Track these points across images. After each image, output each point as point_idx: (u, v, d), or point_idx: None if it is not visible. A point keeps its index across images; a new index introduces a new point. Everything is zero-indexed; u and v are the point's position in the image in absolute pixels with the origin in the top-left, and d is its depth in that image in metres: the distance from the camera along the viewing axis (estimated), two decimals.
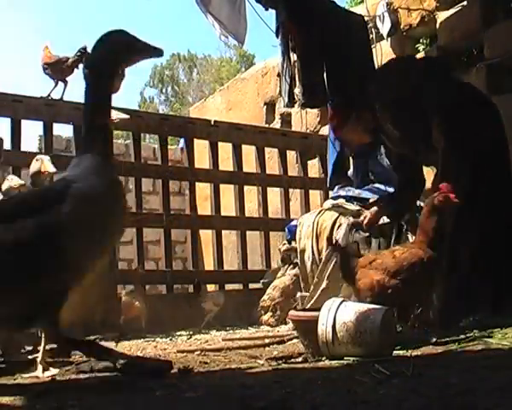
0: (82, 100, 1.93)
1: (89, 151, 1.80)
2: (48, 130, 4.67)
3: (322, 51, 3.49)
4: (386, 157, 3.45)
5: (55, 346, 2.61)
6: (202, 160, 5.66)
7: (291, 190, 5.79)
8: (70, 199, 1.71)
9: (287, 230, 4.68)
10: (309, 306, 3.36)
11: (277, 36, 3.78)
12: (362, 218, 3.23)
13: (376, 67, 4.94)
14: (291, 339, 3.00)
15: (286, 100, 3.78)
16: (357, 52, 3.60)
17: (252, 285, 5.31)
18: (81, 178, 1.77)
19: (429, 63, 3.27)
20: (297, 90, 3.89)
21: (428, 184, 3.13)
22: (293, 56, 3.82)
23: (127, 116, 3.37)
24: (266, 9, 3.86)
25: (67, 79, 4.68)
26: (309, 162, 5.87)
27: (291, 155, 5.88)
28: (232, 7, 4.77)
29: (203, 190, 5.78)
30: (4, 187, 3.04)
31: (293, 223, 4.59)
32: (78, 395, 1.61)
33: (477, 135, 2.71)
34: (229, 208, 5.65)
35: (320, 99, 3.56)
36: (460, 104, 2.84)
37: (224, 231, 5.46)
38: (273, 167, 5.82)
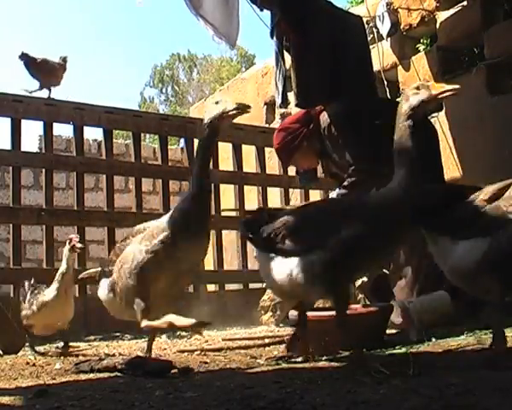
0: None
1: None
2: (48, 130, 4.67)
3: (319, 52, 3.48)
4: None
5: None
6: None
7: (291, 190, 5.79)
8: None
9: None
10: None
11: (272, 37, 3.77)
12: None
13: (377, 67, 4.94)
14: None
15: (279, 101, 3.78)
16: (355, 53, 3.59)
17: (252, 285, 5.31)
18: None
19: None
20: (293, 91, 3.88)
21: None
22: (289, 57, 3.82)
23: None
24: (261, 10, 3.85)
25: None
26: None
27: None
28: (224, 9, 4.74)
29: None
30: None
31: None
32: (78, 395, 1.61)
33: None
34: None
35: (316, 99, 3.54)
36: None
37: (224, 231, 5.46)
38: (273, 167, 5.82)
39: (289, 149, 3.36)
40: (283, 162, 3.58)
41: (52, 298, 2.99)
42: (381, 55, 5.17)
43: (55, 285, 3.02)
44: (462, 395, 1.30)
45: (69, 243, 3.07)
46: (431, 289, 2.92)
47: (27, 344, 3.15)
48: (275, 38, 3.78)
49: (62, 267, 3.03)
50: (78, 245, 3.04)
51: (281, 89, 3.81)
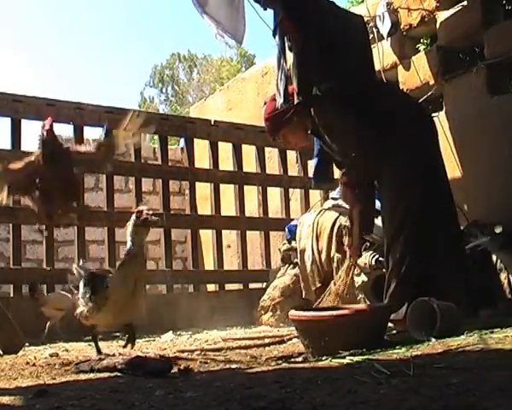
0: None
1: None
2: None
3: (321, 51, 3.49)
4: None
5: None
6: (202, 160, 5.66)
7: (291, 190, 5.79)
8: None
9: (287, 230, 4.68)
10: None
11: (274, 36, 3.78)
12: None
13: (377, 67, 4.94)
14: (291, 339, 3.00)
15: (281, 100, 3.80)
16: (357, 53, 3.59)
17: (252, 285, 5.31)
18: None
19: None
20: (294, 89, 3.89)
21: None
22: (291, 56, 3.82)
23: None
24: (265, 9, 3.85)
25: None
26: (309, 162, 5.87)
27: (291, 155, 5.88)
28: (230, 6, 4.77)
29: (203, 190, 5.78)
30: None
31: (293, 223, 4.60)
32: (78, 395, 1.61)
33: None
34: (229, 208, 5.66)
35: (317, 98, 3.56)
36: None
37: (224, 231, 5.46)
38: (273, 167, 5.83)
39: (278, 121, 3.37)
40: (270, 134, 3.57)
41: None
42: (381, 54, 5.16)
43: (118, 276, 2.33)
44: (462, 395, 1.30)
45: (139, 217, 2.20)
46: None
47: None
48: (277, 36, 3.78)
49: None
50: (154, 218, 2.20)
51: (282, 88, 3.81)
